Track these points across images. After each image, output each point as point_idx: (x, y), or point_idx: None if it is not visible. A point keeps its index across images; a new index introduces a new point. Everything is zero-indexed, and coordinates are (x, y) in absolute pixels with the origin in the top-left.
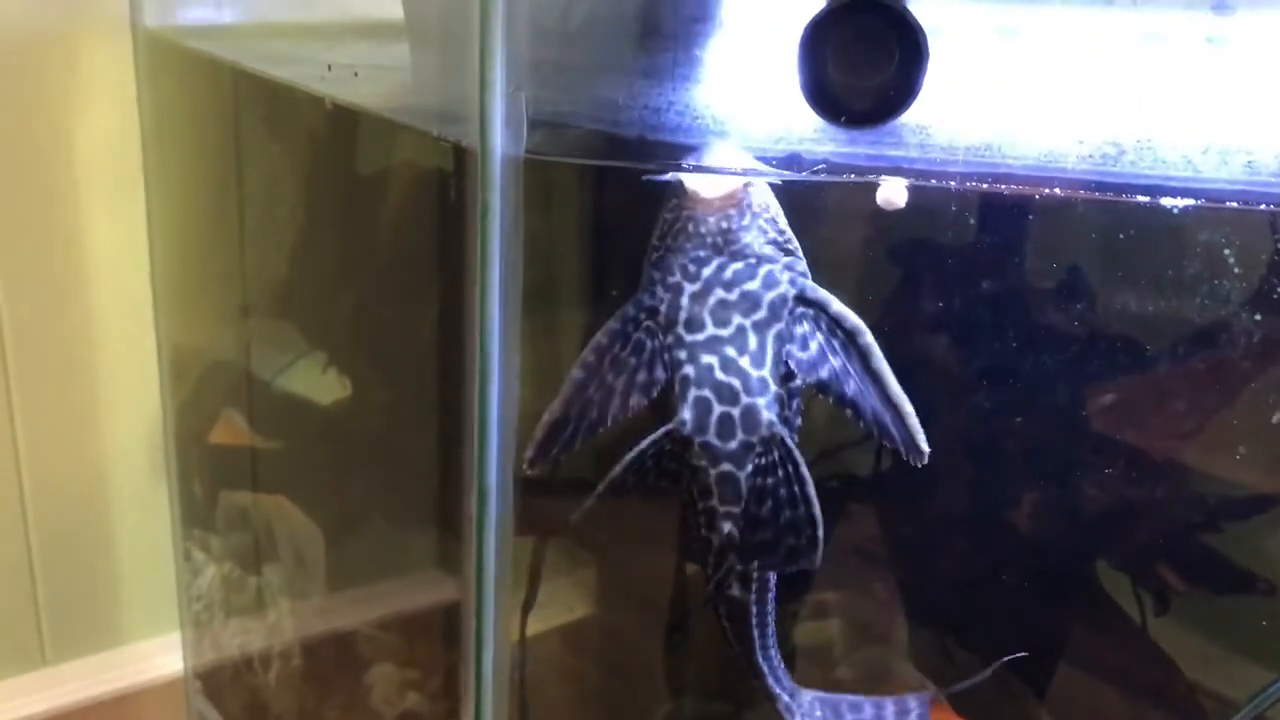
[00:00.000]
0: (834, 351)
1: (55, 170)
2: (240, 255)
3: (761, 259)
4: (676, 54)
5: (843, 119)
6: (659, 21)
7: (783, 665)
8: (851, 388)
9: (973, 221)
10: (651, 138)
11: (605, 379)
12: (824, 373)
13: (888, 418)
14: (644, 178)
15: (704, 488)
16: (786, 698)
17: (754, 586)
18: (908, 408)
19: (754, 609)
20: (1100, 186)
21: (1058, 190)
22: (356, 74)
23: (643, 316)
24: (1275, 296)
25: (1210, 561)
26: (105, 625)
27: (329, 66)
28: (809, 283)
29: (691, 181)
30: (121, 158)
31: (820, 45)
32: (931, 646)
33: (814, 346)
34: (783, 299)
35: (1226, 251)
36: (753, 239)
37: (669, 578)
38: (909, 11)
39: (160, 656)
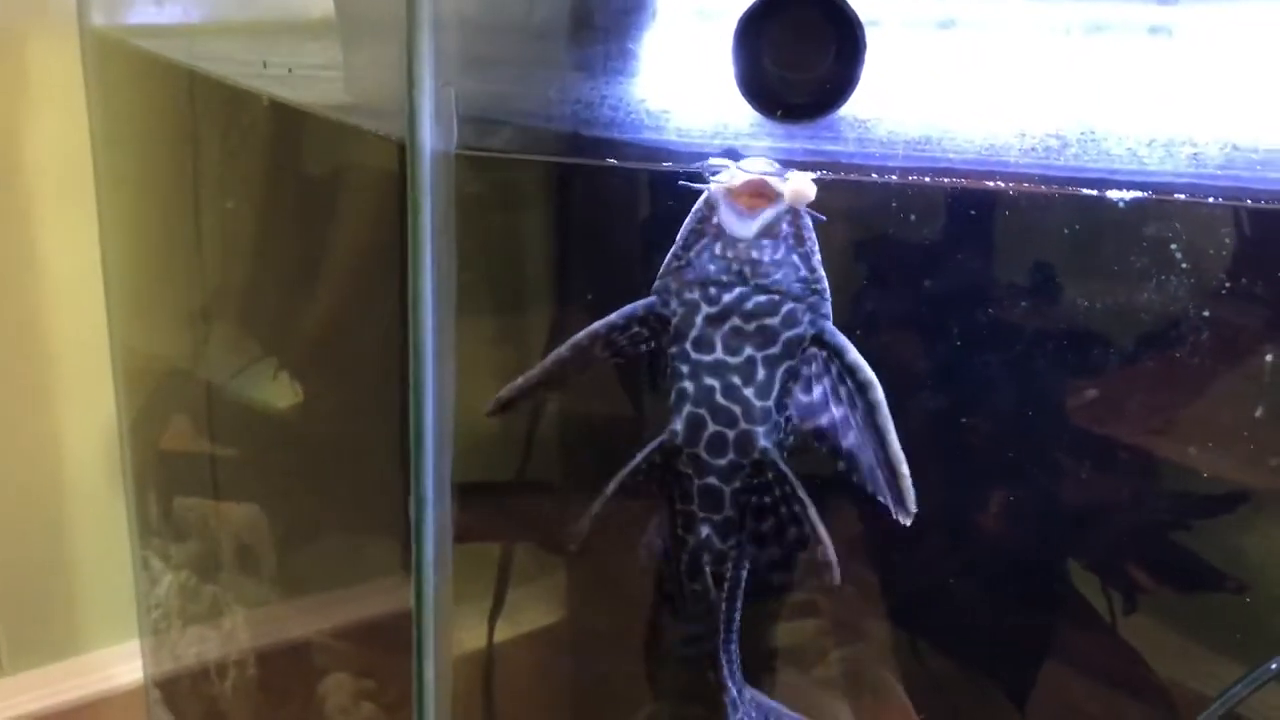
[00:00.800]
0: (838, 400)
1: (2, 173)
2: (192, 259)
3: (787, 296)
4: (608, 46)
5: (779, 113)
6: (590, 14)
7: (739, 662)
8: (850, 439)
9: (913, 218)
10: (585, 133)
11: (591, 355)
12: (823, 420)
13: (881, 475)
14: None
15: (685, 493)
16: (734, 692)
17: (726, 585)
18: (904, 469)
19: (724, 605)
20: (1044, 180)
21: (1000, 184)
22: (290, 71)
23: (651, 319)
24: (1225, 291)
25: (1179, 559)
26: (64, 634)
27: (264, 64)
28: (829, 324)
29: (730, 198)
30: (71, 159)
31: (756, 38)
32: (903, 647)
33: (817, 392)
34: (799, 339)
35: (1174, 246)
36: (783, 275)
37: (644, 579)
38: (846, 3)
39: (120, 665)
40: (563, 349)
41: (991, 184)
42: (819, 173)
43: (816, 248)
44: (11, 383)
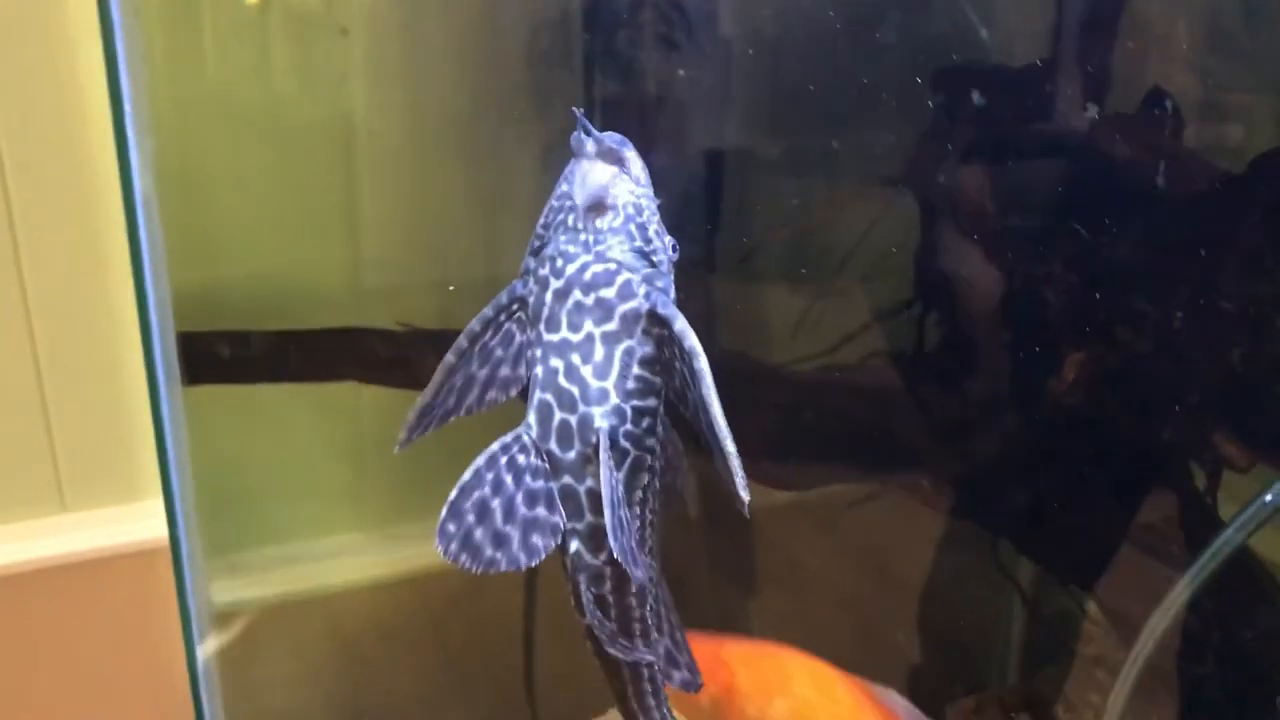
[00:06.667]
0: (675, 375)
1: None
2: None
3: (622, 266)
4: None
5: None
6: None
7: (667, 708)
8: (689, 412)
9: None
10: None
11: (470, 367)
12: (671, 394)
13: (714, 450)
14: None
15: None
16: None
17: (612, 613)
18: (729, 446)
19: (622, 643)
20: None
21: None
22: None
23: (515, 306)
24: None
25: None
26: (124, 478)
27: None
28: (664, 297)
29: (578, 172)
30: None
31: None
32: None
33: (677, 378)
34: (636, 314)
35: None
36: (617, 243)
37: None
38: None
39: None
40: (447, 356)
41: None
42: None
43: (657, 219)
44: (62, 219)
